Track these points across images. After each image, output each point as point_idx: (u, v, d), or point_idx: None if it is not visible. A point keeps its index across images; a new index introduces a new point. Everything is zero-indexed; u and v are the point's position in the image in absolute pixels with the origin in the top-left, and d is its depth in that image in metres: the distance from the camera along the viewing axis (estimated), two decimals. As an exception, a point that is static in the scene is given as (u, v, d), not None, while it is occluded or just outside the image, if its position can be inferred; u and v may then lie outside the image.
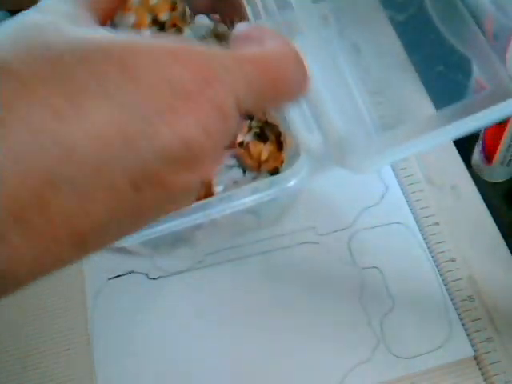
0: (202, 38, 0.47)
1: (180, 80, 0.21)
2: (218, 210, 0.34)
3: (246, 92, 0.22)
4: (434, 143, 0.29)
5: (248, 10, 0.39)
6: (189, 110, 0.20)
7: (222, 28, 0.47)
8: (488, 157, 0.47)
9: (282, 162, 0.40)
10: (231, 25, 0.48)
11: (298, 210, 0.48)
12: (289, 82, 0.24)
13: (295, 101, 0.26)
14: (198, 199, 0.34)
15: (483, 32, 0.34)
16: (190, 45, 0.21)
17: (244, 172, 0.41)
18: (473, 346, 0.41)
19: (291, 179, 0.33)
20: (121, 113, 0.19)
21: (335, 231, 0.47)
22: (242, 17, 0.45)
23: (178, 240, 0.44)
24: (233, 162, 0.42)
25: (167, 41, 0.21)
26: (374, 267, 0.45)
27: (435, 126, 0.29)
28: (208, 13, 0.48)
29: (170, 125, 0.20)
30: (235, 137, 0.29)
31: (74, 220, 0.19)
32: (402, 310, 0.43)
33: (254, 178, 0.40)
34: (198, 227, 0.40)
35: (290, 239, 0.46)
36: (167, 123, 0.20)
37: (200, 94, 0.21)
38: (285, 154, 0.40)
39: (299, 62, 0.25)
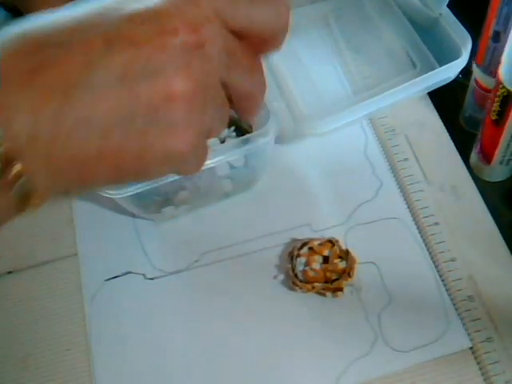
0: None
1: None
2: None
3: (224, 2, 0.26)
4: (375, 107, 0.44)
5: None
6: None
7: None
8: (486, 157, 0.47)
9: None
10: None
11: (292, 207, 0.48)
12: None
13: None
14: None
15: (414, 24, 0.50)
16: None
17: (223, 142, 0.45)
18: (472, 346, 0.41)
19: (263, 137, 0.40)
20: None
21: (330, 227, 0.47)
22: None
23: (164, 200, 0.45)
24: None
25: None
26: (370, 262, 0.45)
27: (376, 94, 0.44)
28: None
29: (140, 2, 0.25)
30: None
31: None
32: (398, 304, 0.43)
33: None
34: (182, 187, 0.44)
35: (285, 236, 0.46)
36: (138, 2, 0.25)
37: None
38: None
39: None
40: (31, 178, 0.24)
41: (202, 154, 0.27)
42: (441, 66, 0.45)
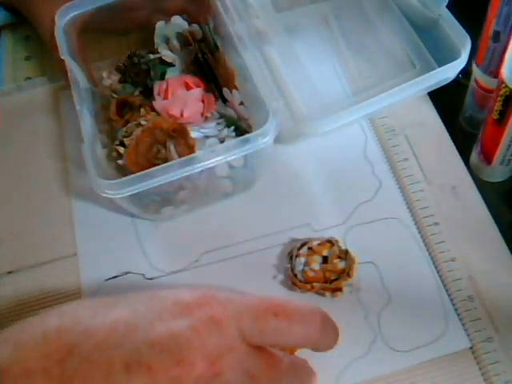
0: (178, 36, 0.51)
1: (183, 297, 0.27)
2: (198, 166, 0.40)
3: (250, 322, 0.27)
4: (375, 107, 0.44)
5: (221, 10, 0.46)
6: (184, 315, 0.26)
7: (195, 27, 0.51)
8: (487, 157, 0.47)
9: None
10: (204, 24, 0.50)
11: (292, 207, 0.48)
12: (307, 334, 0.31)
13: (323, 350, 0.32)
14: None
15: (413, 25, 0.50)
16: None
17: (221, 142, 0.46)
18: (473, 345, 0.41)
19: (262, 137, 0.40)
20: (130, 312, 0.26)
21: (330, 227, 0.47)
22: (214, 16, 0.48)
23: (163, 200, 0.45)
24: (210, 131, 0.47)
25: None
26: (369, 262, 0.45)
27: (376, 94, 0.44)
28: (180, 14, 0.51)
29: (165, 323, 0.26)
30: None
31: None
32: (398, 304, 0.43)
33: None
34: (181, 188, 0.44)
35: (285, 236, 0.46)
36: (163, 321, 0.26)
37: (198, 306, 0.27)
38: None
39: (326, 321, 0.32)
40: None
41: None
42: (440, 67, 0.45)
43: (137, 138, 0.45)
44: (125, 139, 0.46)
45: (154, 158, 0.45)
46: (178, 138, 0.45)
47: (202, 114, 0.48)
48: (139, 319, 0.26)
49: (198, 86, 0.49)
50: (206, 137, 0.47)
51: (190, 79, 0.49)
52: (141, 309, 0.27)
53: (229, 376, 0.26)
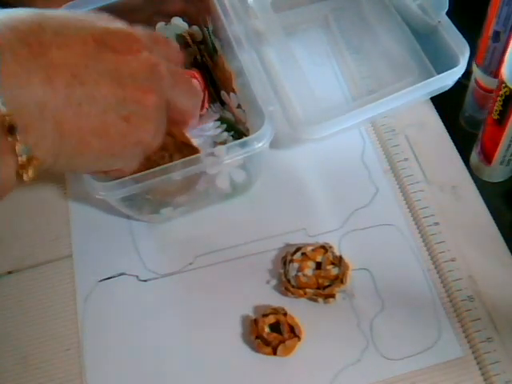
0: (178, 37, 0.51)
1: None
2: (196, 167, 0.40)
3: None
4: (371, 114, 0.44)
5: (219, 11, 0.46)
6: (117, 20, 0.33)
7: (195, 29, 0.51)
8: (487, 157, 0.47)
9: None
10: (204, 26, 0.50)
11: (288, 212, 0.48)
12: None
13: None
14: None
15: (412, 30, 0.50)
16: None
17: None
18: (473, 346, 0.41)
19: (257, 141, 0.41)
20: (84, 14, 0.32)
21: (325, 232, 0.47)
22: (214, 18, 0.48)
23: (162, 201, 0.45)
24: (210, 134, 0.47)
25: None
26: (364, 268, 0.45)
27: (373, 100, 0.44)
28: (180, 15, 0.51)
29: (114, 22, 0.32)
30: None
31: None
32: (391, 311, 0.43)
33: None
34: (181, 189, 0.44)
35: (280, 240, 0.46)
36: (115, 21, 0.32)
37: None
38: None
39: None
40: (33, 146, 0.27)
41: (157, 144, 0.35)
42: (439, 74, 0.45)
43: None
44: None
45: (155, 164, 0.44)
46: (185, 153, 0.44)
47: (203, 106, 0.48)
48: (93, 18, 0.31)
49: (194, 78, 0.49)
50: (205, 140, 0.47)
51: (187, 72, 0.49)
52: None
53: (162, 69, 0.33)
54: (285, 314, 0.42)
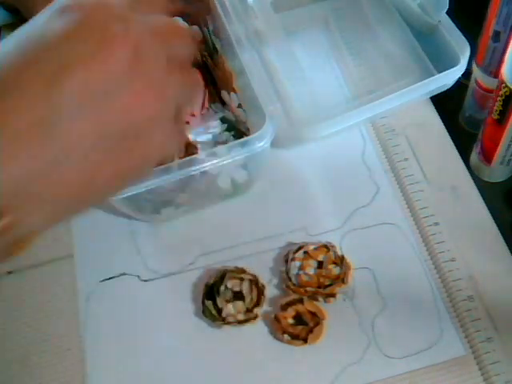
0: None
1: None
2: (198, 167, 0.40)
3: None
4: (371, 113, 0.44)
5: (220, 11, 0.46)
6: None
7: (195, 29, 0.51)
8: (487, 157, 0.47)
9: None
10: (204, 26, 0.50)
11: (289, 211, 0.48)
12: None
13: None
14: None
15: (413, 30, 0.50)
16: None
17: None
18: (473, 346, 0.41)
19: (258, 141, 0.40)
20: None
21: (326, 232, 0.47)
22: (214, 18, 0.47)
23: (163, 201, 0.45)
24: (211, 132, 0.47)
25: None
26: (365, 267, 0.45)
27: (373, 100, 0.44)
28: (180, 15, 0.51)
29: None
30: None
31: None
32: (392, 310, 0.43)
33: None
34: (182, 189, 0.44)
35: (281, 240, 0.46)
36: None
37: None
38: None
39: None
40: (22, 225, 0.24)
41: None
42: (439, 73, 0.45)
43: None
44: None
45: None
46: (185, 152, 0.44)
47: (203, 106, 0.48)
48: None
49: None
50: (205, 141, 0.47)
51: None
52: None
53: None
54: (301, 302, 0.42)
